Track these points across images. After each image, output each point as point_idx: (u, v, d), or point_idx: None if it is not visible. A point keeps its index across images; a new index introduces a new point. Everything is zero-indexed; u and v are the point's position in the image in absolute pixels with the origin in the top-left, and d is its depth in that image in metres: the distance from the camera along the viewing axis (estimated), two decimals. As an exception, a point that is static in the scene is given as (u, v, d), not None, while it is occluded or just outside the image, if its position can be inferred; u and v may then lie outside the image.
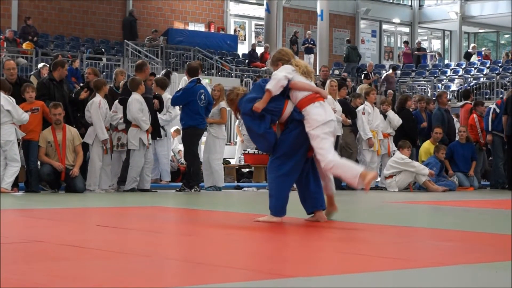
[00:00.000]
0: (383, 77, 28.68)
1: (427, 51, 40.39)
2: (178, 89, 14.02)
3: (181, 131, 14.07)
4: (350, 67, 32.53)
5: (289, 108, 7.26)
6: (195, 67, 13.84)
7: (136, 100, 12.82)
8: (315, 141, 7.16)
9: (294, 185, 7.55)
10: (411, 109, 16.65)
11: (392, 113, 15.86)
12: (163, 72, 15.84)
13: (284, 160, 7.25)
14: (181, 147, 15.13)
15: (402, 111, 16.23)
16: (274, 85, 7.23)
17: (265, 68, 27.91)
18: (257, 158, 17.04)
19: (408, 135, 15.78)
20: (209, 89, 14.37)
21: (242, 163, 17.45)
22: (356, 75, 32.16)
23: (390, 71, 29.30)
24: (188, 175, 13.61)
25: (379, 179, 15.84)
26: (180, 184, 14.01)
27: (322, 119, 7.22)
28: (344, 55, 33.64)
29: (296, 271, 4.37)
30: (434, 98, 19.71)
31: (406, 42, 38.04)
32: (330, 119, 7.30)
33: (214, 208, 10.06)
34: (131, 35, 29.84)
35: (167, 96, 14.40)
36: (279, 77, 7.27)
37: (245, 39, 37.39)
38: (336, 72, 31.44)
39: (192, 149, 13.55)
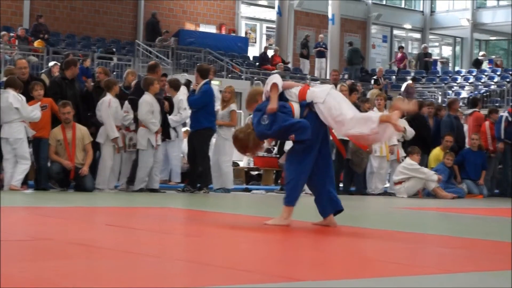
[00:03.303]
0: (403, 88, 28.31)
1: (437, 57, 40.24)
2: (190, 90, 14.00)
3: (191, 132, 13.97)
4: (353, 70, 32.40)
5: (296, 107, 7.22)
6: (207, 69, 13.84)
7: (146, 102, 12.84)
8: (330, 111, 7.09)
9: (307, 190, 7.54)
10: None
11: (406, 124, 15.79)
12: (183, 81, 15.74)
13: (306, 153, 7.17)
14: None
15: (416, 117, 16.20)
16: (276, 79, 7.24)
17: (275, 71, 27.86)
18: (266, 161, 17.06)
19: (422, 142, 15.78)
20: (217, 91, 14.40)
21: (252, 165, 17.46)
22: (360, 75, 32.02)
23: (410, 81, 29.09)
24: (195, 176, 13.63)
25: (388, 185, 15.84)
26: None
27: (326, 89, 7.28)
28: (346, 58, 33.49)
29: (306, 275, 4.37)
30: (444, 105, 19.69)
31: (401, 47, 37.78)
32: (331, 86, 7.40)
33: (223, 210, 10.06)
34: (154, 36, 29.93)
35: (178, 97, 14.39)
36: (274, 75, 7.35)
37: (255, 42, 37.38)
38: (346, 76, 31.38)
39: (205, 150, 13.57)
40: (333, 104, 7.09)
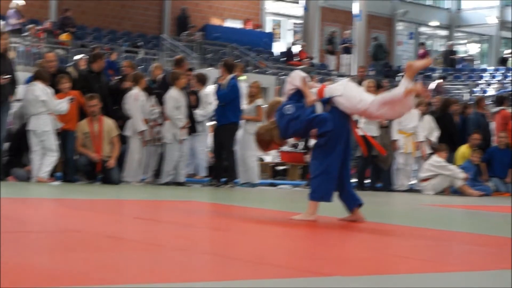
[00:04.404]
0: (434, 87, 28.15)
1: (463, 54, 39.98)
2: (216, 85, 14.01)
3: (217, 127, 13.96)
4: (378, 65, 32.21)
5: (317, 104, 7.22)
6: (233, 64, 13.86)
7: (172, 97, 12.89)
8: (349, 102, 7.12)
9: None
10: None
11: (433, 123, 15.70)
12: (213, 78, 15.79)
13: (330, 147, 7.19)
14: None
15: (443, 115, 16.13)
16: (302, 73, 7.32)
17: (301, 66, 27.82)
18: (292, 156, 17.05)
19: (449, 139, 15.71)
20: (244, 87, 14.39)
21: (278, 160, 17.47)
22: (384, 70, 31.81)
23: (441, 80, 28.88)
24: (220, 170, 13.65)
25: (415, 181, 15.79)
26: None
27: (343, 82, 7.37)
28: (370, 53, 33.29)
29: (332, 270, 4.37)
30: (471, 103, 19.61)
31: (422, 44, 37.48)
32: (347, 79, 7.50)
33: (249, 205, 10.07)
34: (183, 31, 30.07)
35: (205, 91, 14.40)
36: (295, 71, 7.44)
37: (279, 37, 37.32)
38: (373, 72, 31.26)
39: (231, 145, 13.59)
40: (351, 94, 7.14)
